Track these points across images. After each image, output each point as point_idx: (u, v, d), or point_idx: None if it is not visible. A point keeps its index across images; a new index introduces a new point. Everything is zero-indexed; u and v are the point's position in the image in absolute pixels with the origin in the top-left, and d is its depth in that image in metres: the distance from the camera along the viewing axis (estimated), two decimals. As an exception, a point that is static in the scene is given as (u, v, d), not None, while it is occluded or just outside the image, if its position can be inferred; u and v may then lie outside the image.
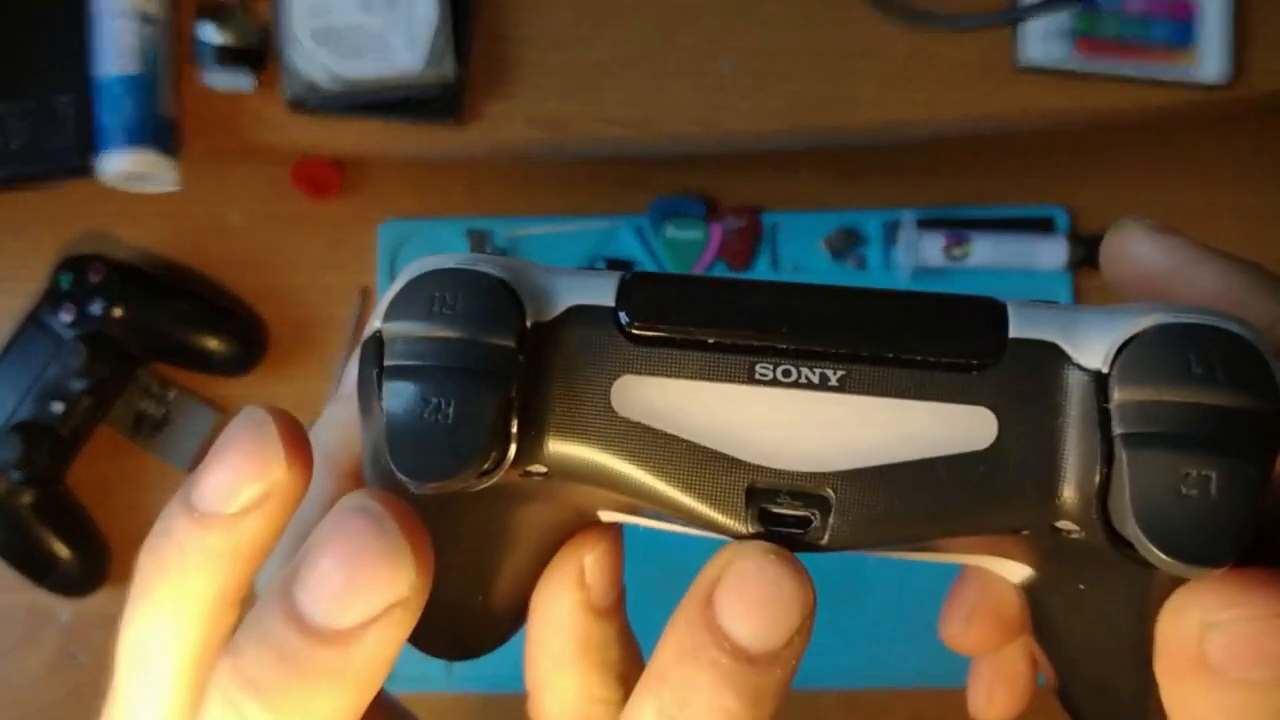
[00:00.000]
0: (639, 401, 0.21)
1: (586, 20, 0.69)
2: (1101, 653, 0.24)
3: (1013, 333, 0.21)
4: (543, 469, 0.21)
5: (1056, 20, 0.68)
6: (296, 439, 0.22)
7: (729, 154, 0.78)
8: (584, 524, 0.25)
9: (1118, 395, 0.20)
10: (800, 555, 0.21)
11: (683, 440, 0.21)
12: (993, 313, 0.21)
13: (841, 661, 0.75)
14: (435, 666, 0.76)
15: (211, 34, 0.66)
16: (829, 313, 0.21)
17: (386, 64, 0.65)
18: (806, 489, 0.20)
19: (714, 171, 0.80)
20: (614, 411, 0.21)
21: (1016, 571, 0.25)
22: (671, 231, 0.79)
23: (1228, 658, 0.19)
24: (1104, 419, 0.20)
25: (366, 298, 0.79)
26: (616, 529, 0.25)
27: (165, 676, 0.22)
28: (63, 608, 0.76)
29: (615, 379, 0.21)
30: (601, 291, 0.21)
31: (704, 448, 0.21)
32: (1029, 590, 0.26)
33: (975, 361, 0.21)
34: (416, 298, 0.21)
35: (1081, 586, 0.24)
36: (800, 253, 0.79)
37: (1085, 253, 0.77)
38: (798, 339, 0.21)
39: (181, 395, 0.78)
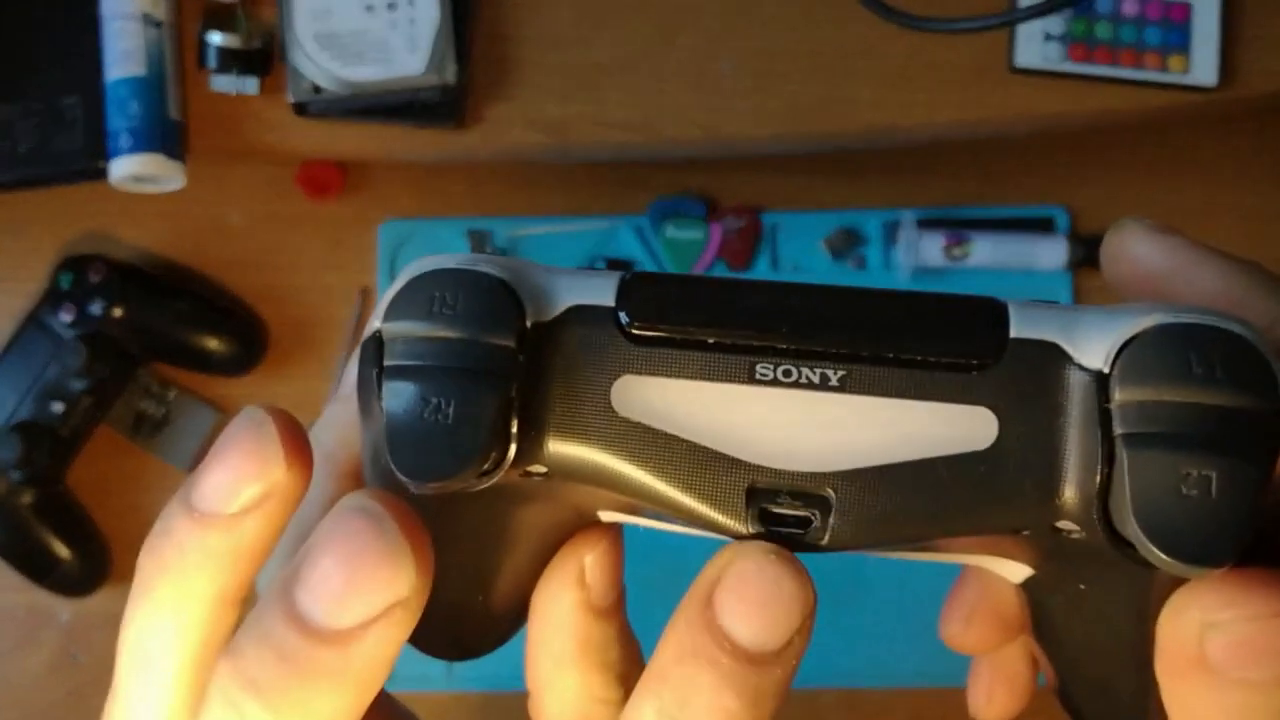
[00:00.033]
0: (639, 401, 0.21)
1: (586, 21, 0.69)
2: (1102, 653, 0.24)
3: (1013, 333, 0.21)
4: (543, 469, 0.21)
5: (1051, 24, 0.69)
6: (296, 439, 0.22)
7: (729, 156, 0.78)
8: (584, 524, 0.25)
9: (1118, 395, 0.20)
10: (800, 555, 0.21)
11: (683, 440, 0.21)
12: (993, 313, 0.21)
13: (841, 661, 0.75)
14: (435, 666, 0.76)
15: (216, 38, 0.66)
16: (829, 313, 0.21)
17: (389, 68, 0.65)
18: (807, 489, 0.20)
19: (714, 171, 0.80)
20: (614, 411, 0.21)
21: (1017, 571, 0.25)
22: (671, 231, 0.79)
23: (1228, 657, 0.19)
24: (1105, 419, 0.20)
25: (366, 298, 0.79)
26: (617, 529, 0.25)
27: (165, 676, 0.22)
28: (63, 608, 0.76)
29: (615, 379, 0.21)
30: (601, 291, 0.21)
31: (704, 448, 0.21)
32: (1029, 590, 0.26)
33: (976, 361, 0.21)
34: (416, 298, 0.21)
35: (1082, 586, 0.24)
36: (800, 253, 0.79)
37: (1085, 253, 0.77)
38: (798, 339, 0.21)
39: (181, 395, 0.78)
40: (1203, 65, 0.69)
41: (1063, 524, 0.20)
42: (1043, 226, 0.79)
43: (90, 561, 0.75)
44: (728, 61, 0.69)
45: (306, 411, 0.23)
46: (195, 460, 0.74)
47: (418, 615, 0.20)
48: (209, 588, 0.22)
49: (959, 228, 0.78)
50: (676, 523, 0.22)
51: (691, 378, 0.21)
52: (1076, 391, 0.20)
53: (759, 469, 0.21)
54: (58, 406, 0.73)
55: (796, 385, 0.21)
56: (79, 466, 0.76)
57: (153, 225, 0.79)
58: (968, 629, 0.31)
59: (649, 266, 0.79)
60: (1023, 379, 0.20)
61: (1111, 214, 0.79)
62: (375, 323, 0.21)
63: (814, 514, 0.20)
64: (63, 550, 0.74)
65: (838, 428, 0.21)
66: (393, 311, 0.21)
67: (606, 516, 0.25)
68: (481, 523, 0.24)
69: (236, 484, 0.21)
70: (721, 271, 0.79)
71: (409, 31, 0.65)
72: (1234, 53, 0.69)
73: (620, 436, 0.21)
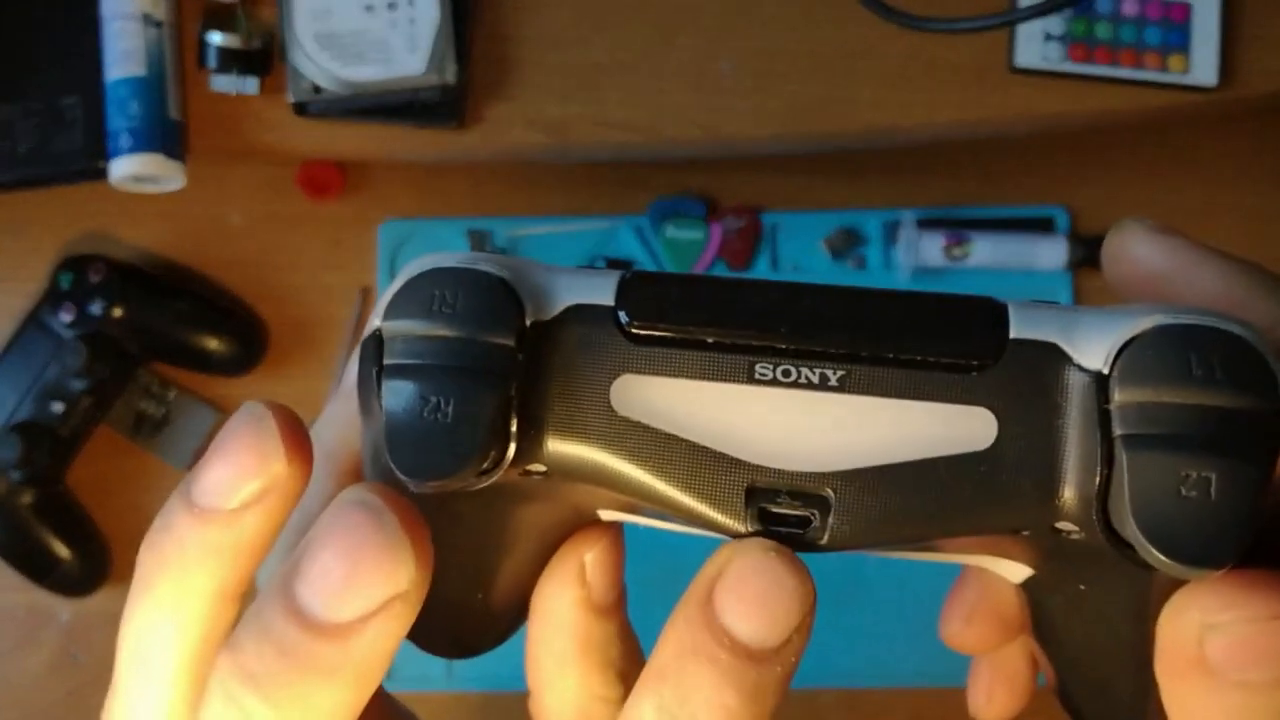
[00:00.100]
0: (639, 401, 0.21)
1: (586, 21, 0.69)
2: (1101, 653, 0.24)
3: (1013, 333, 0.21)
4: (542, 468, 0.21)
5: (1051, 24, 0.69)
6: (296, 434, 0.22)
7: (729, 156, 0.78)
8: (584, 523, 0.25)
9: (1118, 396, 0.20)
10: (800, 555, 0.21)
11: (682, 440, 0.21)
12: (993, 313, 0.21)
13: (841, 661, 0.75)
14: (435, 666, 0.76)
15: (216, 38, 0.66)
16: (829, 313, 0.21)
17: (389, 68, 0.65)
18: (806, 489, 0.20)
19: (714, 171, 0.80)
20: (613, 411, 0.21)
21: (1016, 572, 0.25)
22: (671, 231, 0.79)
23: (1227, 659, 0.19)
24: (1104, 420, 0.20)
25: (366, 297, 0.79)
26: (617, 527, 0.25)
27: (166, 672, 0.22)
28: (63, 608, 0.76)
29: (615, 378, 0.21)
30: (601, 291, 0.21)
31: (703, 447, 0.21)
32: (1029, 590, 0.26)
33: (975, 362, 0.21)
34: (416, 296, 0.21)
35: (1082, 587, 0.24)
36: (800, 253, 0.79)
37: (1085, 253, 0.77)
38: (798, 339, 0.21)
39: (181, 395, 0.78)
40: (1203, 65, 0.69)
41: (1062, 524, 0.20)
42: (1043, 226, 0.79)
43: (90, 561, 0.75)
44: (728, 61, 0.69)
45: (307, 411, 0.23)
46: (195, 460, 0.74)
47: (417, 609, 0.20)
48: (209, 583, 0.22)
49: (959, 228, 0.78)
50: (676, 522, 0.22)
51: (691, 377, 0.21)
52: (1076, 392, 0.20)
53: (758, 469, 0.21)
54: (58, 406, 0.73)
55: (796, 385, 0.21)
56: (79, 466, 0.76)
57: (153, 225, 0.79)
58: (968, 629, 0.31)
59: (649, 266, 0.79)
60: (1022, 379, 0.20)
61: (1111, 214, 0.79)
62: (375, 321, 0.21)
63: (813, 514, 0.20)
64: (63, 550, 0.74)
65: (837, 428, 0.21)
66: (392, 310, 0.21)
67: (606, 515, 0.25)
68: (481, 521, 0.24)
69: (237, 479, 0.21)
70: (721, 271, 0.79)
71: (409, 31, 0.65)
72: (1234, 53, 0.69)
73: (619, 436, 0.21)
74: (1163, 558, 0.19)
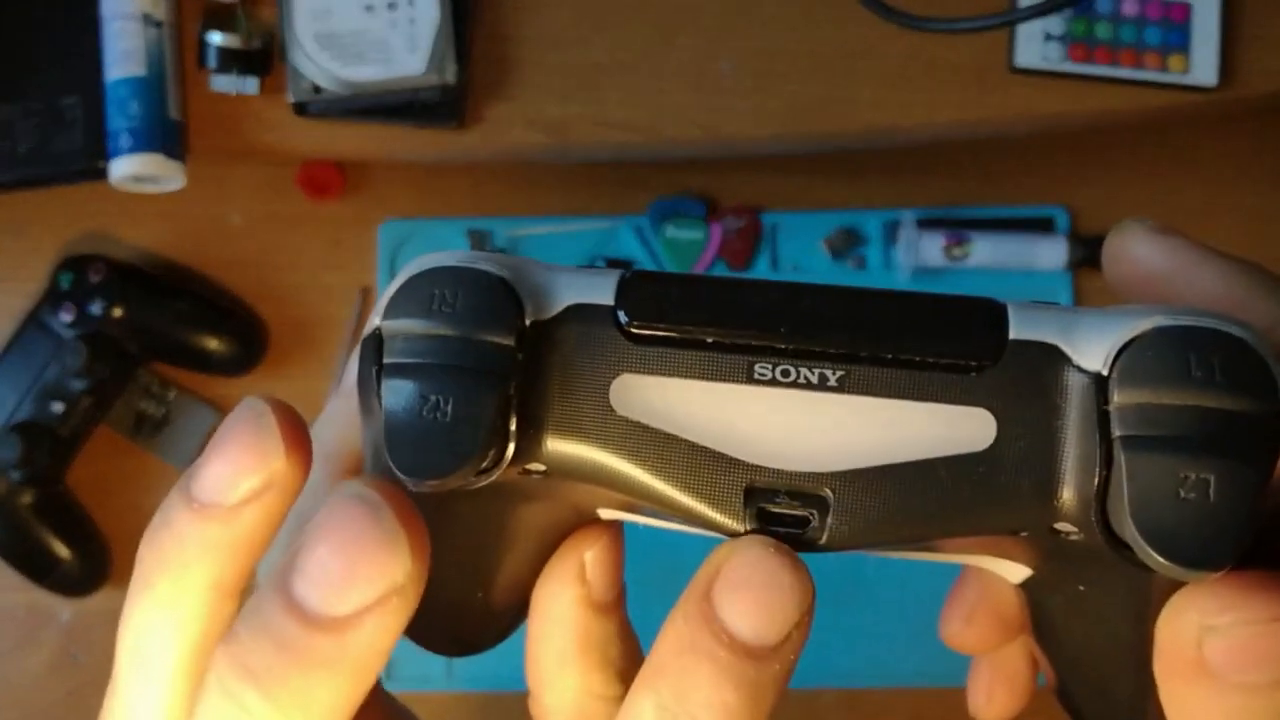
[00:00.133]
0: (638, 400, 0.21)
1: (586, 21, 0.69)
2: (1101, 653, 0.24)
3: (1012, 334, 0.21)
4: (542, 467, 0.21)
5: (1051, 24, 0.69)
6: (295, 430, 0.22)
7: (729, 156, 0.78)
8: (584, 522, 0.25)
9: (1117, 397, 0.20)
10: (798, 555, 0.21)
11: (681, 439, 0.21)
12: (992, 314, 0.21)
13: (841, 661, 0.75)
14: (435, 666, 0.76)
15: (216, 38, 0.66)
16: (828, 313, 0.21)
17: (389, 68, 0.65)
18: (805, 489, 0.20)
19: (714, 172, 0.80)
20: (613, 410, 0.21)
21: (1016, 572, 0.25)
22: (671, 231, 0.79)
23: (1226, 661, 0.19)
24: (1103, 421, 0.20)
25: (366, 297, 0.79)
26: (617, 526, 0.25)
27: (165, 667, 0.22)
28: (63, 608, 0.76)
29: (614, 377, 0.21)
30: (601, 290, 0.21)
31: (702, 447, 0.21)
32: (1028, 590, 0.26)
33: (974, 363, 0.21)
34: (416, 295, 0.21)
35: (1081, 587, 0.24)
36: (800, 253, 0.79)
37: (1085, 253, 0.77)
38: (797, 339, 0.21)
39: (181, 395, 0.78)
40: (1203, 65, 0.69)
41: (1061, 525, 0.20)
42: (1043, 226, 0.79)
43: (90, 561, 0.75)
44: (728, 61, 0.69)
45: (307, 411, 0.23)
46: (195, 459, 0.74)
47: (414, 604, 0.20)
48: (208, 579, 0.22)
49: (959, 228, 0.78)
50: (675, 521, 0.22)
51: (690, 377, 0.21)
52: (1075, 393, 0.20)
53: (757, 469, 0.21)
54: (58, 406, 0.73)
55: (795, 385, 0.21)
56: (79, 466, 0.76)
57: (153, 225, 0.79)
58: (968, 628, 0.31)
59: (649, 266, 0.79)
60: (1021, 380, 0.20)
61: (1111, 214, 0.79)
62: (375, 320, 0.21)
63: (812, 514, 0.20)
64: (63, 550, 0.74)
65: (836, 428, 0.21)
66: (392, 309, 0.21)
67: (606, 514, 0.25)
68: (481, 520, 0.24)
69: (236, 475, 0.21)
70: (721, 271, 0.79)
71: (409, 31, 0.65)
72: (1234, 53, 0.69)
73: (619, 435, 0.21)
74: (1161, 559, 0.19)
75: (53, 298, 0.75)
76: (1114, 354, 0.20)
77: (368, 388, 0.21)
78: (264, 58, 0.67)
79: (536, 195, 0.80)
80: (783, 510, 0.21)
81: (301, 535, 0.20)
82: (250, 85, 0.67)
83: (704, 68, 0.69)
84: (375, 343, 0.21)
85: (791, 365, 0.21)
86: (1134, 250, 0.25)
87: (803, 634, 0.20)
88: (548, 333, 0.21)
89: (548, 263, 0.22)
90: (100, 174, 0.65)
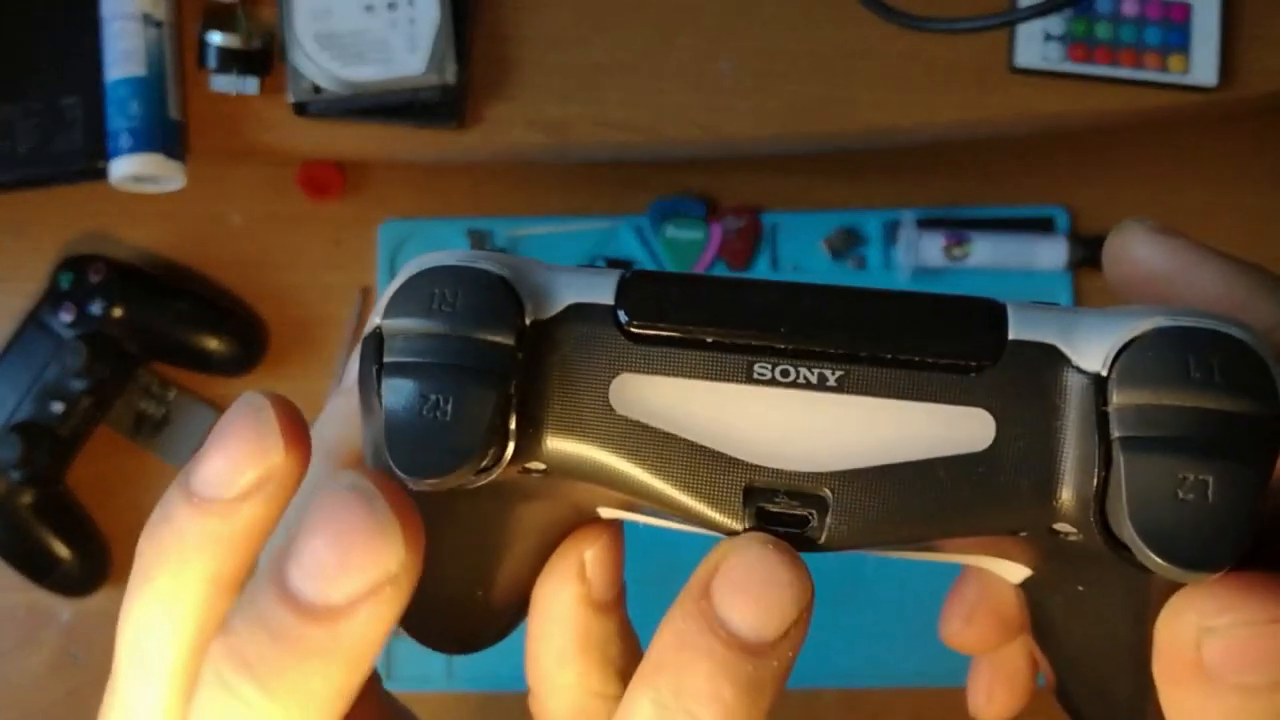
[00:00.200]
0: (637, 400, 0.21)
1: (586, 21, 0.69)
2: (1100, 653, 0.24)
3: (1012, 334, 0.21)
4: (542, 466, 0.21)
5: (1051, 24, 0.69)
6: (294, 424, 0.22)
7: (729, 156, 0.78)
8: (584, 520, 0.25)
9: (1116, 398, 0.20)
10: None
11: (681, 439, 0.21)
12: (992, 314, 0.21)
13: (841, 661, 0.75)
14: (435, 666, 0.76)
15: (216, 38, 0.66)
16: (828, 313, 0.21)
17: (389, 68, 0.65)
18: (804, 489, 0.20)
19: (714, 172, 0.80)
20: (612, 409, 0.21)
21: (1015, 572, 0.25)
22: (671, 231, 0.79)
23: (1224, 662, 0.19)
24: (1102, 422, 0.20)
25: (366, 297, 0.79)
26: (617, 525, 0.25)
27: (164, 662, 0.22)
28: (63, 608, 0.76)
29: (614, 377, 0.21)
30: (601, 290, 0.21)
31: (702, 446, 0.21)
32: (1028, 590, 0.26)
33: (974, 363, 0.21)
34: (416, 294, 0.21)
35: (1080, 588, 0.24)
36: (800, 253, 0.79)
37: (1085, 253, 0.77)
38: (796, 339, 0.21)
39: (181, 395, 0.78)
40: (1203, 65, 0.69)
41: (1060, 526, 0.20)
42: (1043, 226, 0.79)
43: (90, 561, 0.75)
44: (728, 61, 0.69)
45: (307, 411, 0.23)
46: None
47: (408, 594, 0.20)
48: (207, 573, 0.22)
49: (959, 228, 0.78)
50: (675, 520, 0.22)
51: (690, 376, 0.21)
52: (1074, 394, 0.20)
53: (756, 468, 0.21)
54: (58, 406, 0.73)
55: (794, 385, 0.21)
56: (79, 466, 0.76)
57: (153, 225, 0.79)
58: (967, 628, 0.31)
59: (649, 266, 0.79)
60: (1021, 381, 0.20)
61: (1111, 214, 0.79)
62: (375, 319, 0.21)
63: (811, 513, 0.20)
64: (63, 550, 0.74)
65: (835, 428, 0.21)
66: (393, 308, 0.21)
67: (606, 513, 0.25)
68: (482, 518, 0.24)
69: (235, 469, 0.21)
70: (721, 271, 0.79)
71: (409, 31, 0.65)
72: (1234, 53, 0.69)
73: (618, 434, 0.21)
74: (1159, 560, 0.19)
75: (53, 298, 0.75)
76: (1113, 355, 0.20)
77: (368, 386, 0.21)
78: (264, 58, 0.67)
79: (536, 195, 0.80)
80: (782, 510, 0.21)
81: (297, 525, 0.20)
82: (250, 85, 0.67)
83: (704, 68, 0.69)
84: (375, 342, 0.21)
85: (791, 365, 0.21)
86: (1134, 251, 0.25)
87: (801, 631, 0.20)
88: (548, 332, 0.21)
89: (548, 262, 0.22)
90: (100, 174, 0.65)
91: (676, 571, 0.22)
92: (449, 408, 0.20)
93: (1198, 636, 0.20)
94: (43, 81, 0.67)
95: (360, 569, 0.20)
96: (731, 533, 0.21)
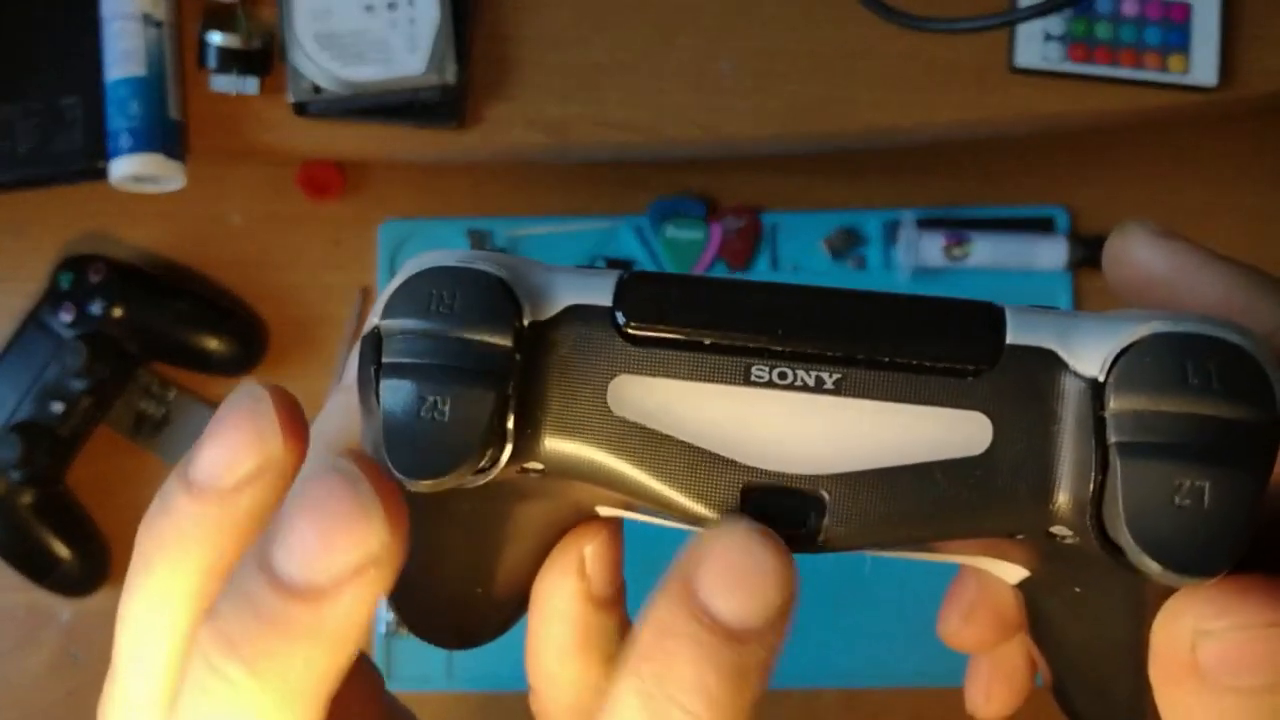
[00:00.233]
0: (635, 401, 0.21)
1: (586, 21, 0.69)
2: (1098, 654, 0.24)
3: (1010, 338, 0.21)
4: (540, 466, 0.21)
5: (1051, 24, 0.69)
6: (292, 414, 0.22)
7: (729, 156, 0.78)
8: (583, 518, 0.25)
9: (1113, 404, 0.20)
10: (796, 556, 0.21)
11: (678, 440, 0.21)
12: (990, 318, 0.21)
13: (841, 661, 0.75)
14: (435, 666, 0.76)
15: (216, 38, 0.66)
16: (826, 315, 0.21)
17: (389, 68, 0.65)
18: (801, 490, 0.21)
19: (714, 172, 0.80)
20: (610, 411, 0.21)
21: (1013, 573, 0.25)
22: (671, 231, 0.79)
23: (1220, 665, 0.19)
24: (1099, 427, 0.20)
25: (366, 297, 0.79)
26: (617, 521, 0.25)
27: (163, 650, 0.22)
28: (63, 608, 0.76)
29: (611, 378, 0.21)
30: (599, 291, 0.21)
31: (699, 448, 0.21)
32: (1026, 591, 0.26)
33: (971, 367, 0.21)
34: (415, 295, 0.21)
35: (1077, 589, 0.24)
36: (800, 253, 0.79)
37: (1085, 253, 0.77)
38: (794, 341, 0.21)
39: (181, 395, 0.78)
40: (1203, 65, 0.69)
41: (1056, 529, 0.20)
42: (1043, 226, 0.79)
43: (90, 561, 0.75)
44: (728, 61, 0.69)
45: (307, 410, 0.23)
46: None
47: (391, 576, 0.20)
48: (205, 561, 0.22)
49: (959, 228, 0.78)
50: (673, 521, 0.22)
51: (687, 378, 0.21)
52: (1072, 399, 0.20)
53: (754, 470, 0.21)
54: (58, 406, 0.73)
55: (792, 388, 0.21)
56: (79, 466, 0.76)
57: (153, 225, 0.79)
58: (966, 626, 0.31)
59: (649, 267, 0.79)
60: (1018, 385, 0.20)
61: (1111, 214, 0.79)
62: (374, 318, 0.21)
63: (808, 515, 0.21)
64: (63, 550, 0.74)
65: (833, 431, 0.21)
66: (391, 308, 0.21)
67: (605, 512, 0.25)
68: (481, 517, 0.24)
69: (233, 458, 0.21)
70: (721, 271, 0.79)
71: (409, 31, 0.65)
72: (1234, 53, 0.69)
73: (616, 436, 0.21)
74: (1155, 566, 0.19)
75: (53, 298, 0.75)
76: (1111, 360, 0.20)
77: (366, 386, 0.21)
78: (264, 58, 0.67)
79: (536, 195, 0.80)
80: (779, 511, 0.21)
81: (281, 508, 0.20)
82: (250, 85, 0.67)
83: (704, 68, 0.69)
84: (374, 341, 0.21)
85: (788, 368, 0.21)
86: (1135, 253, 0.25)
87: (786, 619, 0.20)
88: (546, 333, 0.21)
89: (547, 263, 0.22)
90: (100, 174, 0.65)
91: (676, 568, 0.22)
92: (446, 409, 0.20)
93: (1193, 639, 0.20)
94: (43, 81, 0.67)
95: (343, 549, 0.20)
96: None
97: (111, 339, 0.74)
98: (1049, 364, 0.20)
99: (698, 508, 0.21)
